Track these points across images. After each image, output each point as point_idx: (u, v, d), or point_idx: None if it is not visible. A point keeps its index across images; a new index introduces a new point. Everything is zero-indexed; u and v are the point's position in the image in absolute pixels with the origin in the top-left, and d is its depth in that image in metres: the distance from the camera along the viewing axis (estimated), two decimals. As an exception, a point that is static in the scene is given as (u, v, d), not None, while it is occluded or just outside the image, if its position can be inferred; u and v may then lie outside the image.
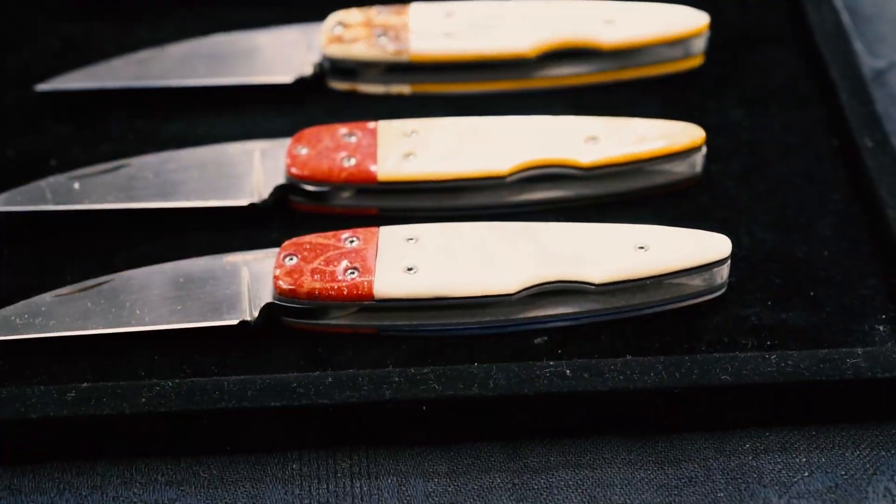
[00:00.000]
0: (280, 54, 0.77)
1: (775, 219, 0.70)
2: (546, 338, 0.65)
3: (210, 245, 0.69)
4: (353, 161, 0.69)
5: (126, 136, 0.76)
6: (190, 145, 0.75)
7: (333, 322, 0.65)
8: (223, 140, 0.75)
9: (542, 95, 0.78)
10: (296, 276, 0.64)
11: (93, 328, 0.64)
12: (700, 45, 0.78)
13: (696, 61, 0.79)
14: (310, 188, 0.70)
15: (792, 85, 0.78)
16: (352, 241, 0.65)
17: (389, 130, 0.71)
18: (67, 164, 0.74)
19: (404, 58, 0.76)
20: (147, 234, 0.70)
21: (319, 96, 0.78)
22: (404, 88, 0.77)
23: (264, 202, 0.70)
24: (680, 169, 0.71)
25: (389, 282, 0.63)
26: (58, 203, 0.70)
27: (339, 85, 0.78)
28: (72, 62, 0.80)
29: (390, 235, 0.66)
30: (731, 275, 0.66)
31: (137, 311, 0.64)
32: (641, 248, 0.65)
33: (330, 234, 0.66)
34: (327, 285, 0.63)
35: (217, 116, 0.77)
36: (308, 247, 0.65)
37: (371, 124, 0.71)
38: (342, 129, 0.71)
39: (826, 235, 0.69)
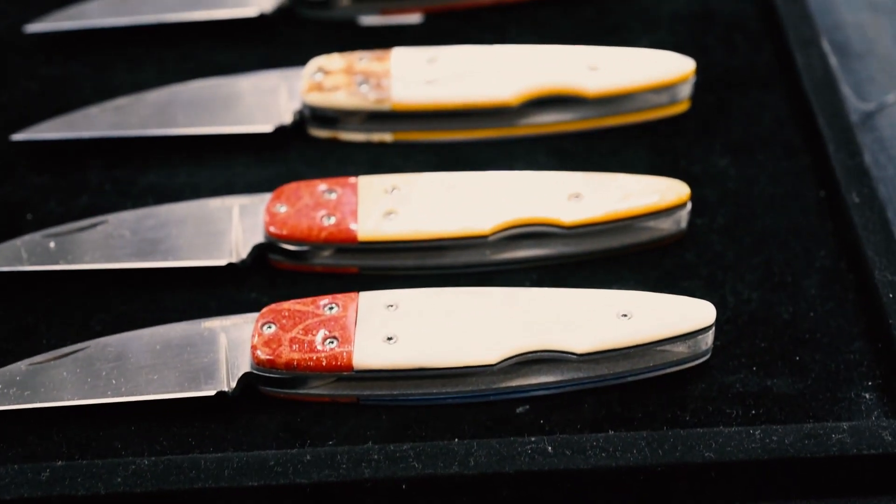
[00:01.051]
0: (260, 101, 0.76)
1: (761, 276, 0.69)
2: (528, 406, 0.64)
3: (188, 305, 0.69)
4: (332, 220, 0.68)
5: (104, 186, 0.75)
6: (169, 196, 0.74)
7: (313, 391, 0.64)
8: (203, 191, 0.74)
9: (526, 143, 0.77)
10: (274, 346, 0.63)
11: (69, 399, 0.63)
12: (686, 90, 0.77)
13: (682, 107, 0.77)
14: (289, 247, 0.69)
15: (779, 131, 0.77)
16: (331, 308, 0.65)
17: (370, 187, 0.70)
18: (44, 217, 0.73)
19: (386, 106, 0.75)
20: (124, 294, 0.69)
21: (300, 144, 0.77)
22: (386, 136, 0.76)
23: (243, 262, 0.69)
24: (665, 225, 0.70)
25: (369, 352, 0.62)
26: (33, 263, 0.69)
27: (320, 133, 0.76)
28: (50, 105, 0.79)
29: (370, 302, 0.65)
30: (716, 338, 0.65)
31: (114, 381, 0.63)
32: (625, 315, 0.64)
33: (308, 300, 0.65)
34: (306, 356, 0.63)
35: (197, 166, 0.76)
36: (286, 314, 0.64)
37: (352, 180, 0.70)
38: (322, 186, 0.70)
39: (812, 295, 0.68)
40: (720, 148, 0.76)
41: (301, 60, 0.80)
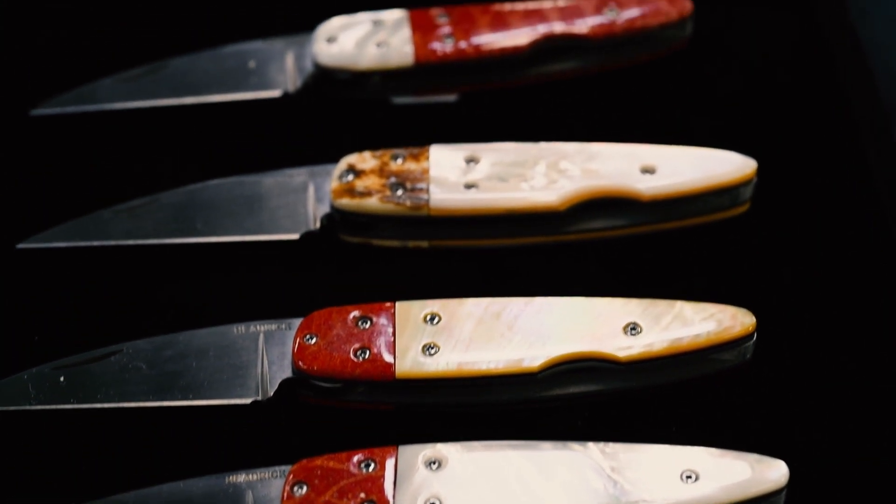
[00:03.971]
0: (286, 204, 0.70)
1: (832, 421, 0.63)
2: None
3: (210, 446, 0.63)
4: (367, 354, 0.63)
5: (118, 301, 0.69)
6: (189, 313, 0.69)
7: (349, 561, 0.58)
8: (225, 306, 0.69)
9: (574, 249, 0.71)
10: (306, 514, 0.57)
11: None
12: (747, 192, 0.71)
13: (743, 208, 0.71)
14: (320, 384, 0.63)
15: (850, 233, 0.71)
16: (367, 465, 0.59)
17: (408, 315, 0.64)
18: (53, 342, 0.67)
19: (423, 213, 0.69)
20: (141, 433, 0.63)
21: (330, 251, 0.70)
22: (423, 243, 0.70)
23: (269, 399, 0.63)
24: (728, 357, 0.64)
25: (410, 523, 0.57)
26: (41, 402, 0.63)
27: (352, 238, 0.70)
28: (58, 200, 0.74)
29: (409, 458, 0.59)
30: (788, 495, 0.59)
31: (130, 549, 0.58)
32: (689, 476, 0.58)
33: (343, 455, 0.60)
34: (341, 525, 0.57)
35: (219, 275, 0.69)
36: (319, 473, 0.59)
37: (387, 306, 0.64)
38: (355, 313, 0.64)
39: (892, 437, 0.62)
40: (785, 255, 0.71)
41: (328, 145, 0.74)
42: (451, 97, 0.77)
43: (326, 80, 0.77)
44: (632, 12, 0.77)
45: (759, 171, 0.70)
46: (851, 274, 0.69)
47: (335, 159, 0.72)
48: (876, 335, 0.67)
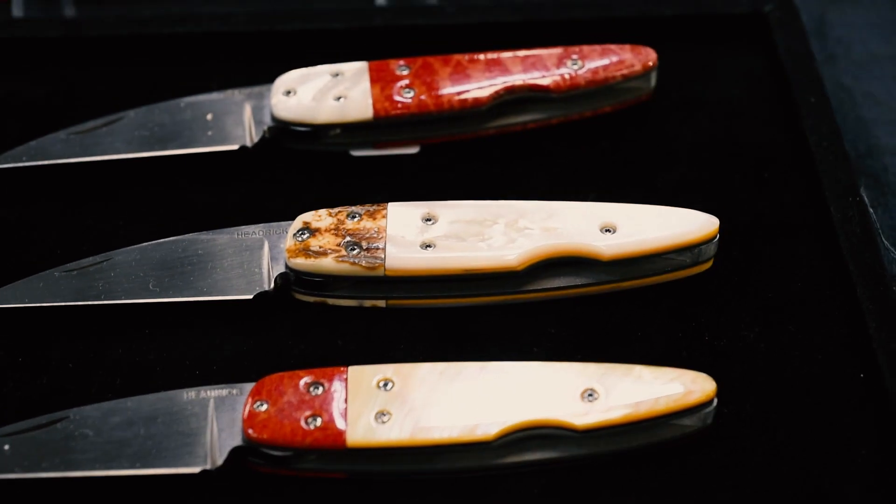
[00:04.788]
0: (240, 263, 0.69)
1: (796, 483, 0.62)
2: None
3: (158, 517, 0.61)
4: (318, 422, 0.61)
5: (67, 364, 0.67)
6: (139, 374, 0.68)
7: None
8: (176, 368, 0.67)
9: (533, 308, 0.69)
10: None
11: None
12: (710, 250, 0.69)
13: (705, 266, 0.70)
14: (270, 452, 0.62)
15: (813, 294, 0.70)
16: (316, 539, 0.57)
17: (360, 381, 0.63)
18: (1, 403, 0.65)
19: (379, 273, 0.67)
20: (88, 503, 0.62)
21: (284, 309, 0.69)
22: (379, 302, 0.69)
23: (219, 468, 0.61)
24: (687, 422, 0.63)
25: None
26: (-17, 472, 0.61)
27: (307, 297, 0.69)
28: (8, 258, 0.72)
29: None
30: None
31: None
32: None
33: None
34: None
35: (170, 336, 0.68)
36: (266, 547, 0.57)
37: (340, 370, 0.63)
38: (306, 378, 0.63)
39: (853, 505, 0.61)
40: (748, 315, 0.69)
41: (287, 199, 0.74)
42: (411, 149, 0.76)
43: (285, 133, 0.75)
44: (595, 63, 0.76)
45: (723, 226, 0.69)
46: (816, 334, 0.68)
47: (293, 214, 0.71)
48: (842, 399, 0.65)
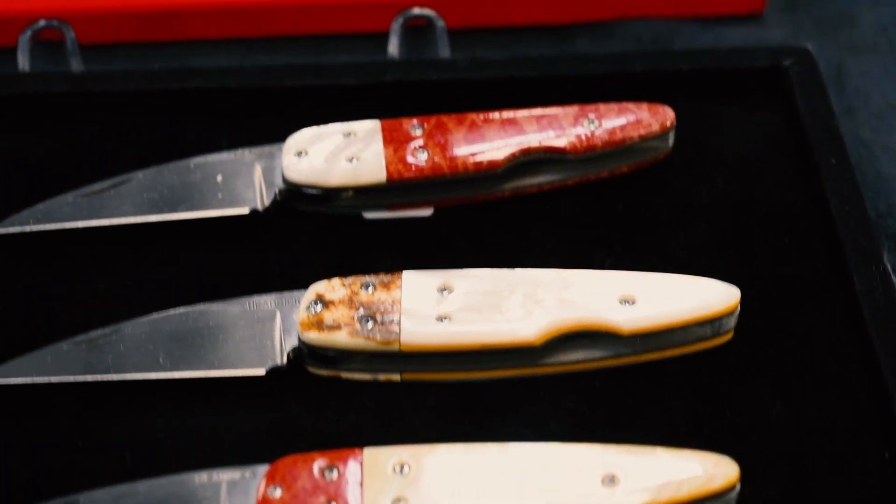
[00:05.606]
0: (251, 336, 0.68)
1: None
2: None
3: None
4: (334, 508, 0.60)
5: (74, 440, 0.66)
6: (148, 450, 0.66)
7: None
8: (186, 445, 0.66)
9: (551, 382, 0.68)
10: None
11: None
12: (731, 322, 0.68)
13: (726, 338, 0.68)
14: (284, 540, 0.60)
15: (836, 366, 0.69)
16: None
17: (375, 464, 0.62)
18: (5, 481, 0.64)
19: (394, 348, 0.66)
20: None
21: (297, 383, 0.68)
22: (394, 376, 0.67)
23: (232, 557, 0.60)
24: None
25: None
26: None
27: (320, 371, 0.67)
28: (15, 324, 0.71)
29: None
30: None
31: None
32: None
33: None
34: None
35: (181, 412, 0.67)
36: None
37: (355, 452, 0.62)
38: (321, 461, 0.62)
39: None
40: (770, 389, 0.68)
41: (298, 264, 0.73)
42: (425, 211, 0.75)
43: (296, 196, 0.74)
44: (612, 123, 0.74)
45: (743, 294, 0.68)
46: (840, 410, 0.67)
47: (306, 280, 0.70)
48: (867, 478, 0.64)
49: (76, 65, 0.81)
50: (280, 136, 0.77)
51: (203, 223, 0.74)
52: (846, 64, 0.87)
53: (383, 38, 0.84)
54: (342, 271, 0.71)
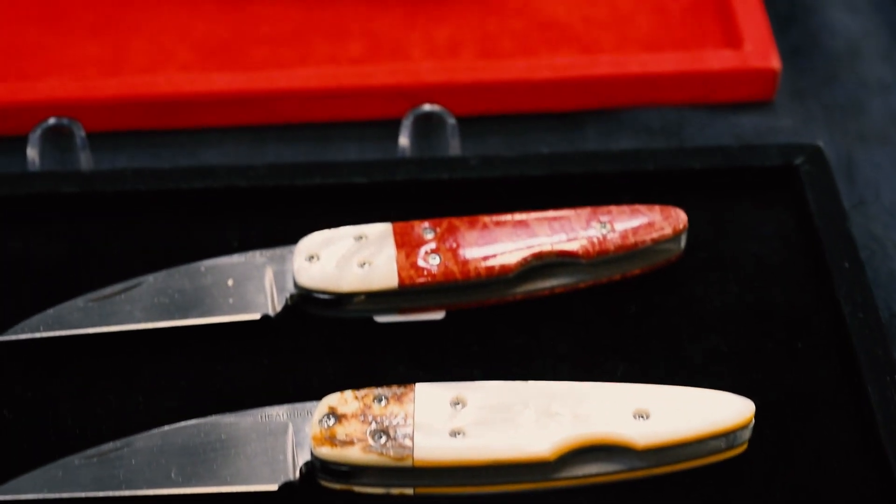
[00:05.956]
0: (263, 450, 0.67)
1: None
2: None
3: None
4: None
5: (86, 558, 0.65)
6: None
7: None
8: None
9: (563, 495, 0.68)
10: None
11: None
12: (745, 434, 0.68)
13: (740, 449, 0.68)
14: None
15: (849, 480, 0.69)
16: None
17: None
18: None
19: (407, 463, 0.66)
20: None
21: (309, 495, 0.67)
22: (407, 490, 0.67)
23: None
24: None
25: None
26: None
27: (333, 485, 0.67)
28: (24, 437, 0.70)
29: None
30: None
31: None
32: None
33: None
34: None
35: (192, 529, 0.66)
36: None
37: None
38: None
39: None
40: (784, 501, 0.67)
41: (310, 369, 0.73)
42: (437, 315, 0.75)
43: (307, 300, 0.74)
44: (624, 226, 0.74)
45: (756, 403, 0.68)
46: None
47: (317, 387, 0.70)
48: None
49: (85, 160, 0.81)
50: (291, 234, 0.77)
51: (215, 329, 0.73)
52: (856, 154, 0.87)
53: (392, 124, 0.84)
54: (354, 377, 0.71)
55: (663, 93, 0.90)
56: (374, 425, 0.67)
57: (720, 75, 0.89)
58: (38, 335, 0.73)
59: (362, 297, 0.74)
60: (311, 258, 0.74)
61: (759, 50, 0.89)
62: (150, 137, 0.89)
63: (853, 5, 0.97)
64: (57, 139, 0.83)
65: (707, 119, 0.90)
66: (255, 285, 0.74)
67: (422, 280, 0.73)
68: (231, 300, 0.74)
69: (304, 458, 0.67)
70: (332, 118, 0.90)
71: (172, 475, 0.67)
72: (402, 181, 0.80)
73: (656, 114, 0.90)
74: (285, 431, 0.68)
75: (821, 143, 0.81)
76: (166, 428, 0.69)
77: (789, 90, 0.92)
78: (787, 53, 0.93)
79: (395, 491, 0.68)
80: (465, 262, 0.73)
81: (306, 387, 0.72)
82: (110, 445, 0.68)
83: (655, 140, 0.88)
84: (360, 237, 0.75)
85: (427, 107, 0.82)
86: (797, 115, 0.90)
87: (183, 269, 0.75)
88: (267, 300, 0.74)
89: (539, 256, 0.74)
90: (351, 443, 0.66)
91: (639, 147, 0.87)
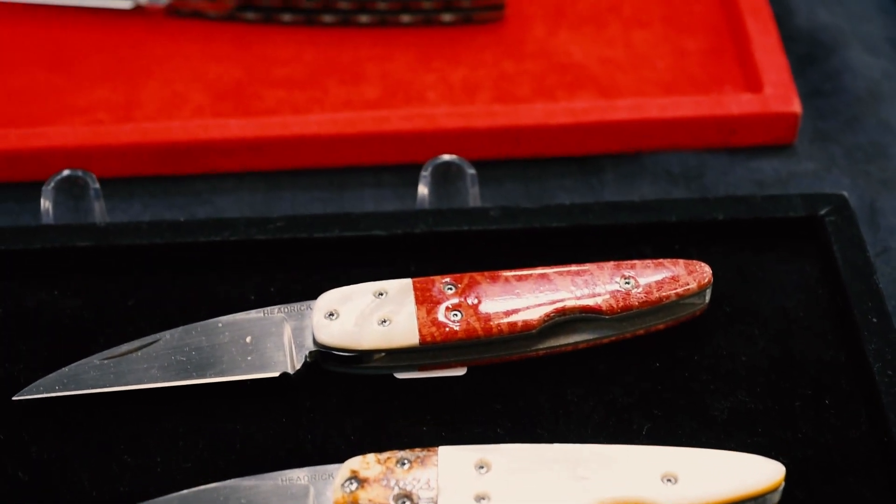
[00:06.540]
0: (284, 513, 0.66)
1: None
2: None
3: None
4: None
5: None
6: None
7: None
8: None
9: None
10: None
11: None
12: (774, 498, 0.67)
13: (770, 512, 0.67)
14: None
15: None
16: None
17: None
18: None
19: (431, 534, 0.64)
20: None
21: (331, 563, 0.66)
22: (430, 556, 0.66)
23: None
24: None
25: None
26: None
27: (355, 553, 0.66)
28: (40, 499, 0.68)
29: None
30: None
31: None
32: None
33: None
34: None
35: None
36: None
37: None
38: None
39: None
40: (815, 566, 0.66)
41: (330, 427, 0.72)
42: (458, 371, 0.73)
43: (326, 356, 0.72)
44: (648, 281, 0.73)
45: (784, 462, 0.67)
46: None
47: (338, 446, 0.70)
48: None
49: (100, 211, 0.80)
50: (309, 286, 0.76)
51: (233, 387, 0.72)
52: (879, 200, 0.86)
53: (409, 168, 0.84)
54: (374, 435, 0.70)
55: (683, 137, 0.89)
56: (397, 490, 0.66)
57: (741, 119, 0.88)
58: (53, 395, 0.71)
59: (383, 354, 0.73)
60: (330, 315, 0.73)
61: (779, 93, 0.88)
62: (163, 184, 0.88)
63: (873, 46, 0.96)
64: (70, 188, 0.81)
65: (727, 163, 0.89)
66: (273, 342, 0.73)
67: (443, 337, 0.72)
68: (250, 358, 0.73)
69: (326, 525, 0.66)
70: (347, 163, 0.89)
71: (191, 547, 0.65)
72: (422, 233, 0.78)
73: (676, 158, 0.89)
74: (306, 495, 0.67)
75: (845, 193, 0.80)
76: (185, 492, 0.68)
77: (810, 132, 0.91)
78: (806, 95, 0.92)
79: (417, 557, 0.67)
80: (487, 319, 0.72)
81: (326, 445, 0.71)
82: (127, 519, 0.67)
83: (676, 184, 0.87)
84: (380, 293, 0.73)
85: (446, 157, 0.81)
86: (818, 159, 0.89)
87: (200, 325, 0.74)
88: (286, 357, 0.72)
89: (562, 312, 0.73)
90: (374, 508, 0.65)
91: (659, 193, 0.86)
